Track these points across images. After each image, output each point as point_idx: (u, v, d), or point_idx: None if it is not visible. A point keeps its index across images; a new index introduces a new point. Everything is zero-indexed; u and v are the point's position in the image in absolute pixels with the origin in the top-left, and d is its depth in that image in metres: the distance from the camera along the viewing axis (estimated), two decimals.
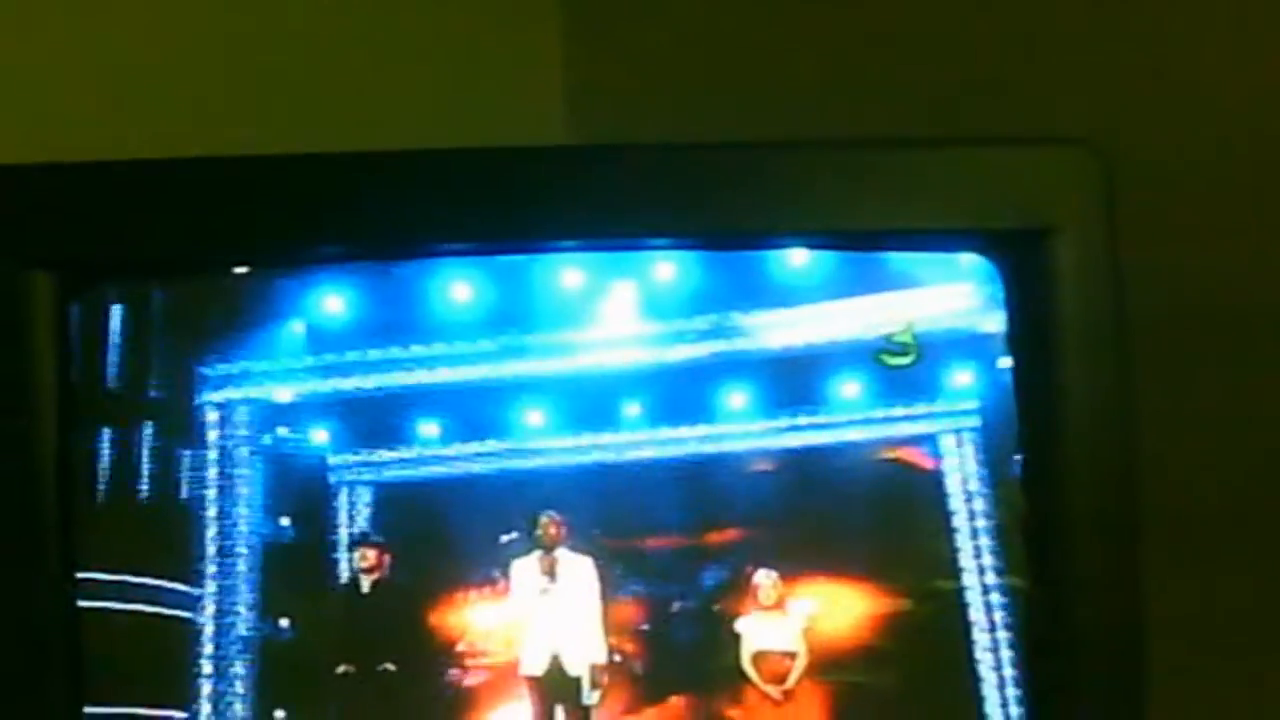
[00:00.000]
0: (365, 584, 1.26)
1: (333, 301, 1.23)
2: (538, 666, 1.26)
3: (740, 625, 1.26)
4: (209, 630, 1.23)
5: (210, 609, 1.23)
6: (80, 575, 1.18)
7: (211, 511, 1.24)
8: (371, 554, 1.26)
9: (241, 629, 1.24)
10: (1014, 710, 1.23)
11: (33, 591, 1.16)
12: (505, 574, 1.25)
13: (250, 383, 1.24)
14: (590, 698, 1.25)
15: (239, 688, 1.24)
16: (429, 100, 1.64)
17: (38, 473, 1.16)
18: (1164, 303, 1.38)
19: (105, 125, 1.43)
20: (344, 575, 1.26)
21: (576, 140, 1.67)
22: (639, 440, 1.24)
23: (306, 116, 1.53)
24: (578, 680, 1.25)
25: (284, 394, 1.25)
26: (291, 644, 1.25)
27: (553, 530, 1.25)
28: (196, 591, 1.23)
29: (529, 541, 1.25)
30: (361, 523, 1.26)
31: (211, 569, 1.24)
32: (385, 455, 1.26)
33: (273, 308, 1.23)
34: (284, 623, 1.25)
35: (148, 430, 1.22)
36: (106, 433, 1.21)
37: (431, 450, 1.26)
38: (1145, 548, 1.19)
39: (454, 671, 1.26)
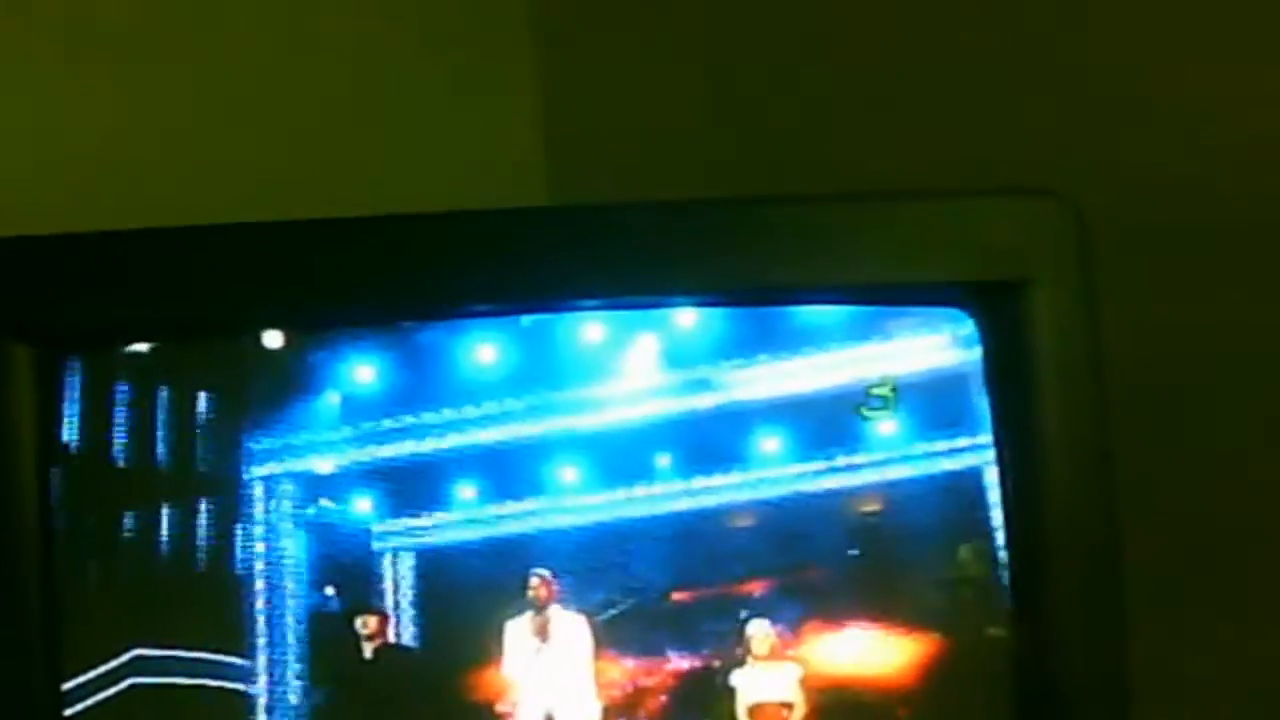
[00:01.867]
0: (368, 650, 1.28)
1: (364, 371, 1.26)
2: None
3: (735, 678, 1.26)
4: (262, 701, 1.25)
5: (262, 680, 1.25)
6: (136, 652, 1.20)
7: (259, 584, 1.26)
8: (373, 620, 1.28)
9: (292, 699, 1.26)
10: None
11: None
12: (501, 636, 1.26)
13: (292, 456, 1.26)
14: None
15: None
16: (411, 164, 1.66)
17: (17, 558, 1.17)
18: (1146, 352, 1.41)
19: (89, 197, 1.44)
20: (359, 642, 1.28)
21: (558, 199, 1.70)
22: (624, 498, 1.25)
23: (283, 184, 1.55)
24: None
25: (325, 465, 1.27)
26: (333, 710, 1.27)
27: (543, 591, 1.25)
28: (247, 663, 1.25)
29: (521, 602, 1.26)
30: (373, 589, 1.28)
31: (261, 640, 1.26)
32: (415, 521, 1.28)
33: (309, 380, 1.25)
34: (329, 690, 1.27)
35: (194, 506, 1.25)
36: (152, 509, 1.25)
37: (457, 513, 1.27)
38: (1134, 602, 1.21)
39: None
